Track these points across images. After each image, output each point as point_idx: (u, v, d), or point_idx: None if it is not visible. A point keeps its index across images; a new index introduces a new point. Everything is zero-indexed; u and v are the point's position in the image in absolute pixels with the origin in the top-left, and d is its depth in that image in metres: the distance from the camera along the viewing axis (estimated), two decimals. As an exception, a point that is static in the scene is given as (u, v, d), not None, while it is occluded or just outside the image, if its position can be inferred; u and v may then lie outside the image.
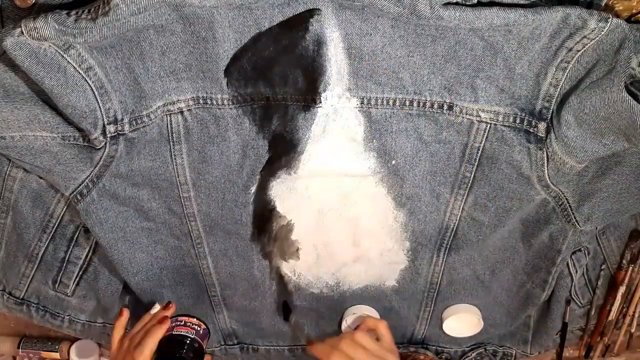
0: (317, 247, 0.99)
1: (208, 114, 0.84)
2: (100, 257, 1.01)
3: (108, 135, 0.84)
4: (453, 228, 0.95)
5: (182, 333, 0.92)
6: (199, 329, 0.93)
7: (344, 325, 1.07)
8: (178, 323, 0.93)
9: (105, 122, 0.83)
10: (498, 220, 0.93)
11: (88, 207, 0.91)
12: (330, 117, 0.86)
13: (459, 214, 0.94)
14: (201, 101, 0.83)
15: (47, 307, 1.06)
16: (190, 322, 0.93)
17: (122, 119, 0.83)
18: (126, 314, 0.95)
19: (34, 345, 1.12)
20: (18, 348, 1.12)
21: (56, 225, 0.98)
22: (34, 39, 0.73)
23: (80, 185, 0.89)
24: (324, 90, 0.83)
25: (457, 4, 0.74)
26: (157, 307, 0.96)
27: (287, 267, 1.01)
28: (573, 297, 1.07)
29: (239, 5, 0.75)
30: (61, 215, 0.97)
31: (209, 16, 0.76)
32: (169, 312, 0.93)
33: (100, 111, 0.81)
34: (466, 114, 0.85)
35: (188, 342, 0.91)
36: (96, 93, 0.80)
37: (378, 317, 1.07)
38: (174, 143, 0.86)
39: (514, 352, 1.13)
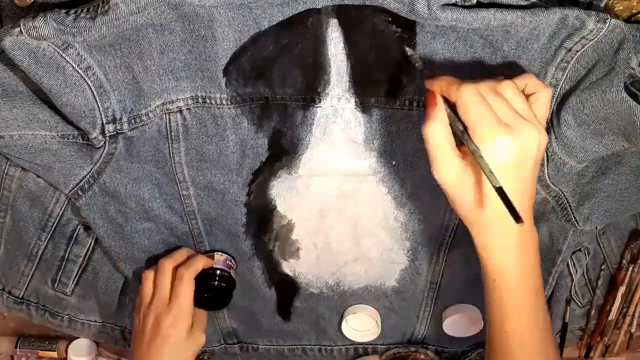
0: (317, 246, 0.99)
1: (207, 113, 0.84)
2: (99, 256, 1.01)
3: (107, 135, 0.84)
4: (453, 228, 0.95)
5: (212, 267, 0.98)
6: (226, 260, 0.99)
7: (344, 326, 1.07)
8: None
9: (104, 122, 0.83)
10: (498, 220, 0.93)
11: (89, 200, 0.91)
12: (330, 118, 0.86)
13: (460, 213, 0.94)
14: (200, 100, 0.83)
15: (46, 307, 1.06)
16: (217, 256, 0.99)
17: (121, 118, 0.83)
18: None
19: (31, 344, 1.12)
20: (16, 347, 1.12)
21: (55, 223, 0.98)
22: (32, 38, 0.73)
23: (81, 181, 0.89)
24: (324, 90, 0.83)
25: (454, 5, 0.74)
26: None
27: (287, 267, 1.01)
28: (573, 297, 1.07)
29: (239, 5, 0.75)
30: (60, 214, 0.97)
31: (209, 15, 0.76)
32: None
33: (99, 110, 0.81)
34: (466, 114, 0.84)
35: (218, 273, 0.98)
36: (95, 92, 0.80)
37: (379, 318, 1.07)
38: (172, 141, 0.86)
39: (514, 352, 1.13)
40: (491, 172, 0.65)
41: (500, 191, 0.64)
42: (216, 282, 0.97)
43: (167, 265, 0.95)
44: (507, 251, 0.73)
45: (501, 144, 0.65)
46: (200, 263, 0.96)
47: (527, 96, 0.72)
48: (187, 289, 0.94)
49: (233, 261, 0.99)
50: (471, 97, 0.66)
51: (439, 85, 0.71)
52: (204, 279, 0.97)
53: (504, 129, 0.65)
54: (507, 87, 0.69)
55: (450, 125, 0.69)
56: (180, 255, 0.97)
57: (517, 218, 0.64)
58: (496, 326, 0.77)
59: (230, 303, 0.99)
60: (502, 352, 0.78)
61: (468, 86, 0.67)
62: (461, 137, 0.67)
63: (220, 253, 0.99)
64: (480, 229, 0.73)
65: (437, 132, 0.69)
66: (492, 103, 0.67)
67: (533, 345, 0.77)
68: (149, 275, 0.95)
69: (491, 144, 0.65)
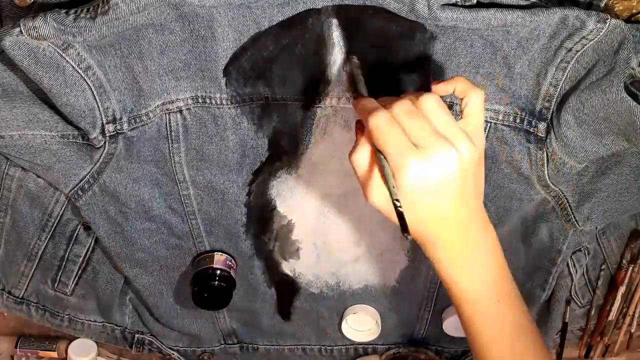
0: (317, 246, 0.99)
1: (207, 113, 0.84)
2: (99, 256, 1.01)
3: (107, 135, 0.84)
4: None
5: (211, 266, 0.98)
6: (226, 260, 0.99)
7: (344, 326, 1.07)
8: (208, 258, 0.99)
9: (104, 122, 0.83)
10: (498, 220, 0.93)
11: (89, 200, 0.91)
12: (330, 118, 0.86)
13: (459, 213, 0.93)
14: (200, 100, 0.83)
15: (46, 307, 1.06)
16: (217, 256, 0.99)
17: (121, 118, 0.83)
18: None
19: (31, 344, 1.12)
20: (16, 347, 1.12)
21: (55, 223, 0.98)
22: (32, 38, 0.73)
23: (81, 181, 0.89)
24: (324, 90, 0.83)
25: (454, 4, 0.74)
26: None
27: (288, 267, 1.01)
28: (573, 297, 1.07)
29: (239, 5, 0.75)
30: (60, 214, 0.97)
31: (209, 15, 0.76)
32: None
33: (99, 110, 0.81)
34: (466, 113, 0.84)
35: (218, 272, 0.98)
36: (95, 92, 0.80)
37: (379, 318, 1.07)
38: (172, 141, 0.86)
39: (514, 351, 1.13)
40: (391, 190, 0.62)
41: (395, 205, 0.62)
42: (216, 282, 0.97)
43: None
44: (457, 266, 0.70)
45: (414, 169, 0.62)
46: None
47: (461, 100, 0.69)
48: None
49: (233, 261, 0.99)
50: (379, 124, 0.63)
51: (357, 109, 0.69)
52: (204, 279, 0.97)
53: (414, 155, 0.62)
54: (427, 101, 0.65)
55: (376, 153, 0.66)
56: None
57: (404, 230, 0.62)
58: (479, 349, 0.75)
59: (230, 303, 0.99)
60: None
61: (378, 112, 0.64)
62: (381, 161, 0.65)
63: (220, 253, 0.99)
64: (423, 245, 0.70)
65: (360, 159, 0.67)
66: (406, 125, 0.63)
67: (507, 345, 0.74)
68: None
69: (404, 171, 0.62)
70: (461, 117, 0.69)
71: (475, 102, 0.69)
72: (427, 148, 0.62)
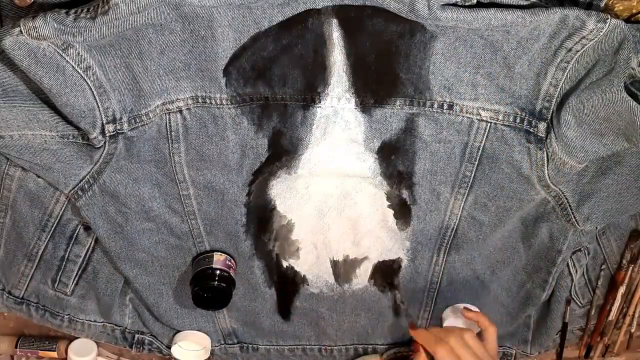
0: (317, 246, 0.99)
1: (207, 113, 0.84)
2: (99, 256, 1.01)
3: (107, 135, 0.84)
4: (453, 227, 0.95)
5: (211, 266, 0.98)
6: (225, 260, 0.99)
7: (445, 323, 1.08)
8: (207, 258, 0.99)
9: (104, 122, 0.83)
10: (498, 220, 0.93)
11: (89, 201, 0.91)
12: (330, 118, 0.86)
13: (459, 213, 0.94)
14: (200, 100, 0.83)
15: (46, 307, 1.06)
16: (216, 256, 0.99)
17: (121, 118, 0.83)
18: None
19: (31, 344, 1.12)
20: (16, 347, 1.12)
21: (55, 223, 0.98)
22: (33, 39, 0.73)
23: (81, 181, 0.89)
24: (324, 91, 0.83)
25: (455, 5, 0.74)
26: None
27: (287, 267, 1.01)
28: (573, 297, 1.07)
29: (239, 5, 0.75)
30: (60, 214, 0.97)
31: (209, 15, 0.76)
32: None
33: (99, 110, 0.81)
34: (466, 113, 0.85)
35: (218, 273, 0.98)
36: (95, 92, 0.80)
37: (209, 343, 1.10)
38: (172, 141, 0.86)
39: (514, 352, 1.13)
40: None
41: None
42: (216, 282, 0.97)
43: None
44: None
45: None
46: None
47: (482, 331, 0.93)
48: None
49: (232, 261, 0.99)
50: (444, 354, 0.85)
51: (420, 339, 0.89)
52: (203, 279, 0.97)
53: None
54: (470, 338, 0.87)
55: None
56: None
57: None
58: None
59: (230, 303, 0.99)
60: None
61: (442, 346, 0.85)
62: None
63: (219, 253, 0.99)
64: None
65: None
66: (460, 353, 0.85)
67: None
68: None
69: None
70: (483, 341, 0.91)
71: (491, 335, 0.92)
72: None
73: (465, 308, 1.00)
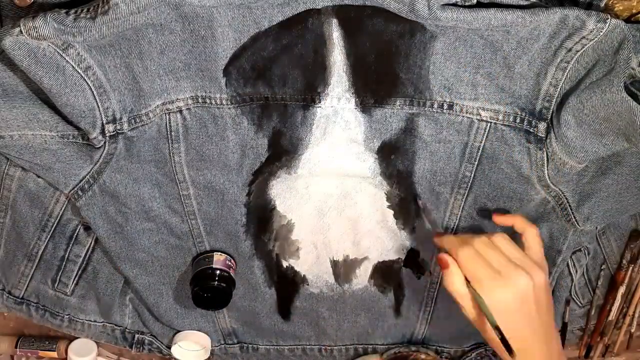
0: (317, 246, 0.99)
1: (207, 113, 0.84)
2: (99, 256, 1.01)
3: (107, 135, 0.84)
4: (453, 228, 0.95)
5: (211, 266, 0.98)
6: (225, 260, 0.99)
7: (175, 348, 1.09)
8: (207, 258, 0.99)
9: (104, 122, 0.83)
10: (498, 220, 0.93)
11: (89, 201, 0.91)
12: (330, 118, 0.86)
13: (459, 213, 0.94)
14: (200, 100, 0.83)
15: (46, 307, 1.06)
16: (216, 256, 0.99)
17: (121, 118, 0.83)
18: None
19: (31, 344, 1.12)
20: (16, 347, 1.12)
21: (55, 223, 0.98)
22: (33, 39, 0.73)
23: (81, 181, 0.89)
24: (324, 91, 0.83)
25: (455, 5, 0.74)
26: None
27: (287, 267, 1.01)
28: (573, 297, 1.07)
29: (239, 5, 0.75)
30: (60, 214, 0.97)
31: (209, 15, 0.76)
32: None
33: (99, 110, 0.81)
34: (466, 113, 0.85)
35: (218, 273, 0.98)
36: (95, 92, 0.80)
37: (209, 343, 1.10)
38: (172, 141, 0.86)
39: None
40: (489, 314, 0.75)
41: (496, 329, 0.75)
42: (216, 282, 0.97)
43: None
44: None
45: (499, 294, 0.75)
46: None
47: (520, 236, 0.82)
48: None
49: (232, 261, 1.00)
50: (468, 257, 0.77)
51: (443, 244, 0.82)
52: (203, 279, 0.97)
53: (499, 280, 0.75)
54: (499, 238, 0.79)
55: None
56: None
57: (510, 352, 0.74)
58: None
59: (230, 303, 0.99)
60: None
61: (465, 247, 0.77)
62: (469, 289, 0.77)
63: (219, 253, 0.99)
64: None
65: (459, 286, 0.78)
66: (488, 256, 0.77)
67: None
68: None
69: (491, 294, 0.75)
70: (524, 249, 0.81)
71: (532, 237, 0.82)
72: (507, 275, 0.75)
73: (495, 212, 0.89)
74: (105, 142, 0.85)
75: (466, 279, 0.78)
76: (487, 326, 0.77)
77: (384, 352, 1.13)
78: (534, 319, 0.76)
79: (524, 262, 0.77)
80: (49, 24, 0.72)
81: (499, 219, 0.86)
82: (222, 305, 1.00)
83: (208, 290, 0.98)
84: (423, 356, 1.11)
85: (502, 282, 0.75)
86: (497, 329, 0.75)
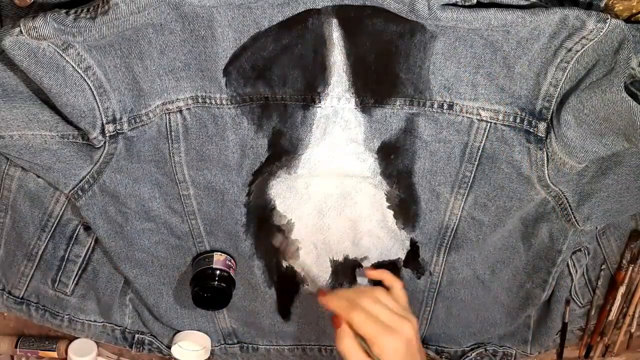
0: (317, 246, 0.99)
1: (207, 113, 0.84)
2: (99, 256, 1.01)
3: (107, 135, 0.84)
4: (453, 227, 0.95)
5: (211, 267, 0.98)
6: (225, 260, 1.00)
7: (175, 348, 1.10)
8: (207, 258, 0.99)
9: (104, 121, 0.83)
10: (498, 220, 0.93)
11: (89, 201, 0.91)
12: (330, 118, 0.86)
13: (459, 213, 0.94)
14: (200, 100, 0.83)
15: (46, 307, 1.06)
16: (216, 256, 0.99)
17: (121, 118, 0.83)
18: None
19: (31, 344, 1.12)
20: (16, 347, 1.12)
21: (55, 223, 0.98)
22: (32, 38, 0.73)
23: (81, 181, 0.89)
24: (324, 91, 0.83)
25: (455, 5, 0.74)
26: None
27: (287, 267, 1.01)
28: (573, 297, 1.07)
29: (239, 5, 0.75)
30: (60, 214, 0.97)
31: (209, 15, 0.76)
32: None
33: (99, 110, 0.81)
34: (466, 113, 0.85)
35: (218, 273, 0.98)
36: (95, 92, 0.80)
37: (209, 343, 1.11)
38: (172, 141, 0.86)
39: (514, 352, 1.13)
40: None
41: None
42: (216, 282, 0.97)
43: None
44: None
45: (394, 345, 0.80)
46: None
47: (389, 289, 0.88)
48: None
49: (232, 261, 1.00)
50: (360, 319, 0.80)
51: (334, 306, 0.84)
52: (203, 279, 0.97)
53: (391, 334, 0.80)
54: (381, 294, 0.85)
55: (356, 336, 0.81)
56: None
57: None
58: None
59: (230, 303, 0.99)
60: None
61: (356, 311, 0.81)
62: (366, 348, 0.81)
63: (219, 253, 0.99)
64: None
65: (350, 346, 0.81)
66: (376, 313, 0.81)
67: None
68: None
69: (387, 347, 0.79)
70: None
71: (398, 290, 0.88)
72: (396, 327, 0.81)
73: (366, 268, 0.97)
74: (105, 142, 0.85)
75: (360, 337, 0.82)
76: None
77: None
78: (417, 358, 0.83)
79: (403, 312, 0.84)
80: (49, 24, 0.72)
81: (370, 273, 0.93)
82: (222, 305, 1.00)
83: (208, 290, 0.98)
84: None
85: (394, 334, 0.80)
86: None
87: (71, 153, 0.87)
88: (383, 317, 0.82)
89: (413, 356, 0.82)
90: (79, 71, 0.78)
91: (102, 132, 0.84)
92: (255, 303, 1.05)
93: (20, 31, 0.72)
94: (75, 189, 0.90)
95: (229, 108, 0.84)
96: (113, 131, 0.84)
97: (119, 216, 0.93)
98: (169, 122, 0.85)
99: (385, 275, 0.91)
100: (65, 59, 0.76)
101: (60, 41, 0.74)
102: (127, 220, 0.94)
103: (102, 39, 0.75)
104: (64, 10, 0.73)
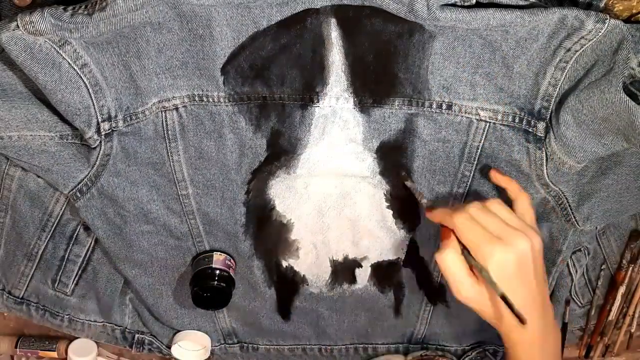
0: (316, 246, 0.99)
1: (204, 111, 0.84)
2: (99, 256, 1.01)
3: (102, 133, 0.84)
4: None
5: (210, 266, 0.98)
6: (225, 260, 0.99)
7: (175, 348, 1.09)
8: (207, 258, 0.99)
9: (99, 119, 0.82)
10: (498, 219, 0.93)
11: (88, 203, 0.91)
12: (328, 118, 0.86)
13: (459, 213, 0.93)
14: (197, 99, 0.83)
15: (46, 307, 1.06)
16: (216, 255, 0.99)
17: (116, 116, 0.83)
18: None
19: (31, 344, 1.12)
20: (16, 347, 1.12)
21: (55, 223, 0.98)
22: (29, 33, 0.73)
23: (79, 183, 0.89)
24: (322, 90, 0.83)
25: (453, 5, 0.74)
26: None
27: (287, 267, 1.01)
28: (573, 297, 1.07)
29: (237, 4, 0.76)
30: (60, 213, 0.97)
31: (207, 14, 0.76)
32: None
33: (94, 108, 0.81)
34: (465, 113, 0.85)
35: (218, 272, 0.98)
36: (90, 90, 0.80)
37: (209, 343, 1.10)
38: (169, 140, 0.86)
39: (514, 352, 1.13)
40: (494, 283, 0.72)
41: (503, 299, 0.72)
42: (215, 282, 0.97)
43: None
44: (525, 349, 0.79)
45: (500, 256, 0.73)
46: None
47: (511, 202, 0.81)
48: None
49: (232, 260, 1.00)
50: (464, 222, 0.75)
51: (437, 217, 0.80)
52: (203, 279, 0.97)
53: (499, 243, 0.73)
54: (494, 204, 0.78)
55: (463, 252, 0.76)
56: None
57: (521, 320, 0.71)
58: None
59: (230, 303, 0.99)
60: None
61: (460, 213, 0.75)
62: (471, 258, 0.75)
63: (219, 253, 0.99)
64: (500, 329, 0.79)
65: (449, 260, 0.76)
66: (484, 222, 0.75)
67: None
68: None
69: (492, 259, 0.73)
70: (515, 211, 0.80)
71: (525, 203, 0.81)
72: (507, 238, 0.73)
73: (494, 169, 0.86)
74: (101, 142, 0.85)
75: (464, 249, 0.75)
76: (487, 301, 0.76)
77: (384, 352, 1.13)
78: (532, 284, 0.75)
79: (521, 225, 0.76)
80: (46, 19, 0.72)
81: (496, 177, 0.85)
82: (222, 305, 1.00)
83: (208, 290, 0.98)
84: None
85: (502, 245, 0.73)
86: (503, 297, 0.72)
87: (69, 155, 0.87)
88: (492, 227, 0.74)
89: (526, 276, 0.74)
90: (75, 68, 0.78)
91: (98, 130, 0.83)
92: (255, 303, 1.06)
93: (17, 25, 0.73)
94: (74, 190, 0.90)
95: (226, 105, 0.84)
96: (108, 129, 0.84)
97: (118, 218, 0.93)
98: (165, 120, 0.85)
99: (511, 185, 0.83)
100: (61, 55, 0.76)
101: (57, 37, 0.74)
102: (125, 222, 0.94)
103: (99, 36, 0.75)
104: (61, 6, 0.73)
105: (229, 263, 0.99)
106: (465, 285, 0.76)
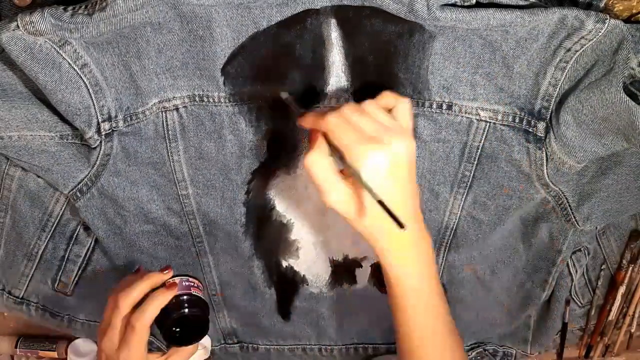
0: (316, 246, 0.99)
1: (204, 111, 0.84)
2: (99, 256, 1.01)
3: (103, 133, 0.84)
4: (453, 227, 0.95)
5: (181, 292, 0.83)
6: (183, 282, 0.85)
7: None
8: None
9: (100, 120, 0.83)
10: (498, 219, 0.93)
11: (88, 203, 0.91)
12: (329, 119, 0.86)
13: (459, 212, 0.93)
14: (197, 99, 0.83)
15: (46, 307, 1.06)
16: (183, 280, 0.85)
17: (117, 116, 0.83)
18: (142, 270, 0.83)
19: (31, 344, 1.12)
20: (16, 347, 1.12)
21: (55, 223, 0.98)
22: (29, 33, 0.73)
23: (79, 183, 0.89)
24: (322, 91, 0.83)
25: (454, 5, 0.75)
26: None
27: (287, 267, 1.01)
28: (573, 297, 1.07)
29: (238, 5, 0.76)
30: (60, 213, 0.97)
31: (207, 15, 0.76)
32: (168, 277, 0.83)
33: (94, 108, 0.81)
34: (465, 113, 0.85)
35: (185, 298, 0.83)
36: (90, 90, 0.80)
37: (209, 343, 1.04)
38: (170, 140, 0.86)
39: (514, 351, 1.13)
40: (369, 187, 0.67)
41: (381, 204, 0.67)
42: (186, 310, 0.83)
43: (122, 303, 0.79)
44: (399, 255, 0.75)
45: (374, 157, 0.67)
46: (156, 306, 0.79)
47: (390, 111, 0.73)
48: (138, 340, 0.78)
49: (192, 279, 0.86)
50: (336, 122, 0.69)
51: (308, 122, 0.73)
52: (169, 314, 0.82)
53: (373, 143, 0.67)
54: (368, 105, 0.71)
55: (332, 155, 0.70)
56: (139, 290, 0.80)
57: (400, 225, 0.66)
58: (403, 326, 0.79)
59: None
60: (411, 351, 0.79)
61: (332, 114, 0.69)
62: (341, 162, 0.69)
63: (171, 279, 0.84)
64: (370, 237, 0.75)
65: (316, 162, 0.70)
66: (357, 122, 0.69)
67: (441, 339, 0.80)
68: (107, 307, 0.81)
69: (365, 160, 0.67)
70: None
71: (404, 109, 0.74)
72: (382, 139, 0.68)
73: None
74: (101, 142, 0.85)
75: (336, 151, 0.69)
76: (358, 205, 0.71)
77: (384, 352, 1.13)
78: (407, 187, 0.71)
79: (397, 127, 0.71)
80: (46, 19, 0.72)
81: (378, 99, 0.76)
82: (202, 333, 0.85)
83: (178, 324, 0.83)
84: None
85: (376, 145, 0.67)
86: (380, 203, 0.67)
87: (69, 155, 0.87)
88: (367, 128, 0.69)
89: (401, 179, 0.69)
90: (75, 68, 0.78)
91: (98, 130, 0.83)
92: (255, 303, 1.05)
93: (17, 25, 0.73)
94: (74, 190, 0.90)
95: (227, 105, 0.84)
96: (109, 129, 0.84)
97: (118, 218, 0.93)
98: (166, 121, 0.85)
99: (386, 97, 0.74)
100: (61, 55, 0.76)
101: (57, 37, 0.75)
102: (126, 222, 0.94)
103: (99, 36, 0.75)
104: (61, 6, 0.73)
105: (188, 283, 0.85)
106: (334, 188, 0.70)
